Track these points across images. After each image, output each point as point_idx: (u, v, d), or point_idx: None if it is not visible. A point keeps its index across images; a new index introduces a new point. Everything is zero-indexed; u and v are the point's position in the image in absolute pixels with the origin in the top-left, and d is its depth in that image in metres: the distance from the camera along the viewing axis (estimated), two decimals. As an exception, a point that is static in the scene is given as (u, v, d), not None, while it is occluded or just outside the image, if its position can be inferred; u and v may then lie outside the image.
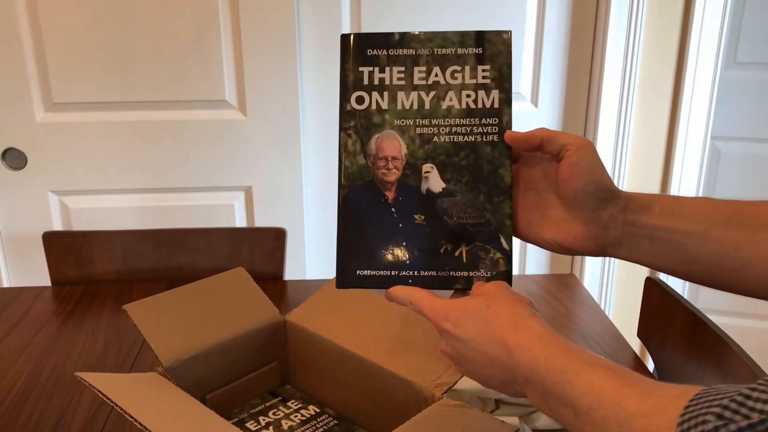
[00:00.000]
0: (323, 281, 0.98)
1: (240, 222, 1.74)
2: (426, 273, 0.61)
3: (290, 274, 1.44)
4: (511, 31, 0.61)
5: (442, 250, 0.61)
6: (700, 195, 1.82)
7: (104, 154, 1.63)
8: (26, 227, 1.67)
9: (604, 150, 1.75)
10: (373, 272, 0.61)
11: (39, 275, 1.64)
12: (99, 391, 0.61)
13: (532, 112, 1.76)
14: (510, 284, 0.60)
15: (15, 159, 1.62)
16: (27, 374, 0.95)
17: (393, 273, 0.61)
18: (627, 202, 0.58)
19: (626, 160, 1.76)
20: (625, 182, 1.78)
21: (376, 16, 1.63)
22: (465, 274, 0.61)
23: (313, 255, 1.80)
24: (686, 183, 1.78)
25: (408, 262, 0.61)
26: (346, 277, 0.62)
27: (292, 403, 0.81)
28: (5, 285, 1.70)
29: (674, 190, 1.78)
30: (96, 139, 1.62)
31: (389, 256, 0.61)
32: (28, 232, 1.66)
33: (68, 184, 1.65)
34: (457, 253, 0.61)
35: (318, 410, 0.80)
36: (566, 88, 1.75)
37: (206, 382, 0.76)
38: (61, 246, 1.30)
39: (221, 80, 1.61)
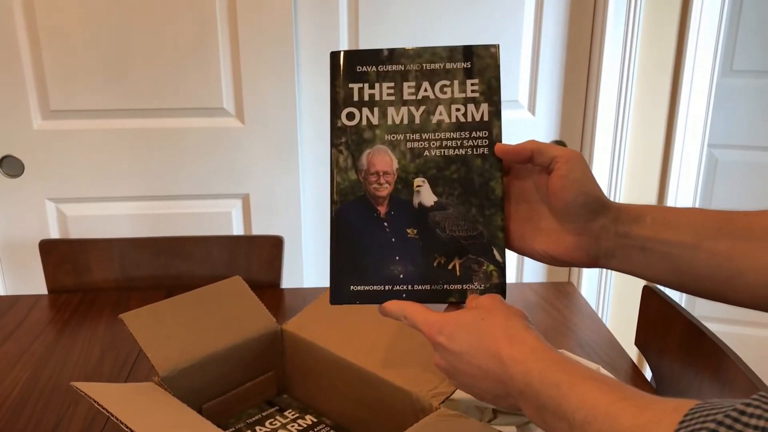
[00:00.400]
0: (320, 289, 0.98)
1: (237, 230, 1.74)
2: (420, 287, 0.61)
3: (287, 282, 1.45)
4: (498, 45, 0.62)
5: (435, 264, 0.61)
6: (697, 203, 1.82)
7: (102, 161, 1.64)
8: (23, 235, 1.67)
9: (601, 158, 1.75)
10: (366, 287, 0.61)
11: (36, 283, 1.64)
12: (95, 401, 0.61)
13: (530, 120, 1.76)
14: (504, 296, 0.60)
15: (12, 166, 1.62)
16: (24, 382, 0.95)
17: (387, 287, 0.61)
18: (618, 213, 0.58)
19: (623, 168, 1.77)
20: (622, 190, 1.79)
21: (373, 23, 1.64)
22: (459, 287, 0.61)
23: (310, 263, 1.80)
24: (683, 191, 1.79)
25: (401, 276, 0.61)
26: (339, 292, 0.62)
27: (289, 413, 0.81)
28: (2, 293, 1.70)
29: (671, 198, 1.79)
30: (93, 146, 1.62)
31: (382, 271, 0.61)
32: (25, 239, 1.66)
33: (65, 191, 1.65)
34: (450, 267, 0.61)
35: (315, 420, 0.80)
36: (563, 96, 1.75)
37: (203, 391, 0.76)
38: (58, 254, 1.30)
39: (219, 88, 1.61)
